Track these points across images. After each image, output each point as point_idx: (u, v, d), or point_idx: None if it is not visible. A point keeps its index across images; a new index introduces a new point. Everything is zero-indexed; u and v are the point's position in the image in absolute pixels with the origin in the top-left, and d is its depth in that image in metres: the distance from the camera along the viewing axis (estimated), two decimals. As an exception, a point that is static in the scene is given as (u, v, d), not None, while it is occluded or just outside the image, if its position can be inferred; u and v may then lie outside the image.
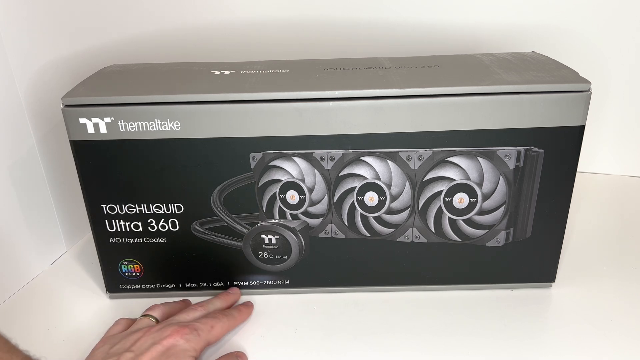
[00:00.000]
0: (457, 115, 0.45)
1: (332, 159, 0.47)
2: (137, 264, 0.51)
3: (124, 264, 0.51)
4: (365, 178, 0.48)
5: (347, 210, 0.49)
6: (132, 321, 0.46)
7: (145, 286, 0.53)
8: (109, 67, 0.53)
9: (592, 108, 0.46)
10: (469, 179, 0.47)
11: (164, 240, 0.50)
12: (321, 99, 0.44)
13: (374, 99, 0.44)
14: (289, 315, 0.50)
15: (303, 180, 0.48)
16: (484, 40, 0.70)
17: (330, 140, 0.46)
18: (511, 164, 0.46)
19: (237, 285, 0.53)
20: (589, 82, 0.44)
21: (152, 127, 0.45)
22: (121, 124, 0.45)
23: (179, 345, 0.41)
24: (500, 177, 0.47)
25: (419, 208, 0.49)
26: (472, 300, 0.51)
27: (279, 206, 0.49)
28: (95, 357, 0.41)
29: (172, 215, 0.49)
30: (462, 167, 0.47)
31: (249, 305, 0.50)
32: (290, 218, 0.50)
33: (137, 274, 0.52)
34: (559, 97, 0.44)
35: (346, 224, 0.50)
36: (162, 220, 0.49)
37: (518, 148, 0.46)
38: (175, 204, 0.48)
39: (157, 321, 0.45)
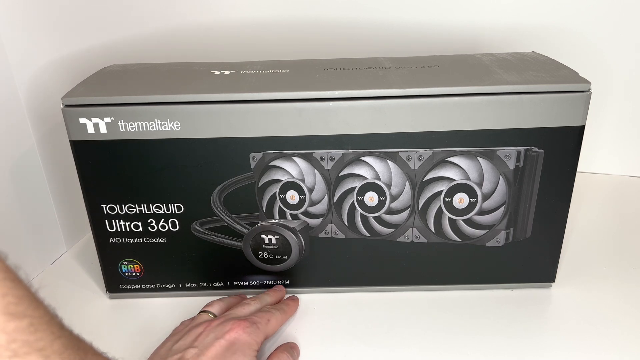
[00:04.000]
0: (457, 115, 0.45)
1: (332, 159, 0.47)
2: (137, 264, 0.51)
3: (124, 264, 0.51)
4: (365, 178, 0.48)
5: (347, 210, 0.49)
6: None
7: (145, 286, 0.53)
8: (109, 67, 0.53)
9: (592, 108, 0.46)
10: (469, 179, 0.47)
11: (164, 240, 0.50)
12: (321, 99, 0.44)
13: (374, 99, 0.44)
14: (289, 315, 0.50)
15: (303, 180, 0.48)
16: (484, 40, 0.70)
17: (330, 140, 0.46)
18: (511, 164, 0.46)
19: (237, 285, 0.53)
20: (588, 82, 0.44)
21: (152, 127, 0.45)
22: (121, 124, 0.45)
23: (241, 339, 0.41)
24: (500, 177, 0.47)
25: (419, 208, 0.49)
26: (472, 300, 0.51)
27: (279, 206, 0.49)
28: (159, 354, 0.40)
29: (172, 215, 0.49)
30: (462, 167, 0.47)
31: (295, 299, 0.51)
32: (290, 218, 0.50)
33: (137, 274, 0.52)
34: (559, 97, 0.44)
35: (346, 224, 0.50)
36: (162, 220, 0.49)
37: (518, 148, 0.46)
38: (175, 204, 0.48)
39: (215, 317, 0.45)
